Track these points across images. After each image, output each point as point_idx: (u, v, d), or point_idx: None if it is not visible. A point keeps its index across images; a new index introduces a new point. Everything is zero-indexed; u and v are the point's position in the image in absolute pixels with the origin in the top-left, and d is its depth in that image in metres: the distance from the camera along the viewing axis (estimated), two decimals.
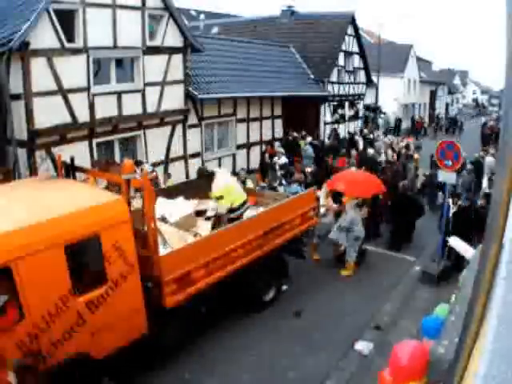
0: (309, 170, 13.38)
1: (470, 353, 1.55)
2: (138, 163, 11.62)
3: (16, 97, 9.16)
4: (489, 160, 14.90)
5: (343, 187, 9.54)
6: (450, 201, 9.40)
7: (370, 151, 16.27)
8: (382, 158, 16.30)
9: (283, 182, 11.71)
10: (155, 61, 11.66)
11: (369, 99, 27.32)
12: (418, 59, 37.99)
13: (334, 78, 20.78)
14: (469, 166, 14.13)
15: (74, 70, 9.79)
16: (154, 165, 12.10)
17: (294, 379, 6.03)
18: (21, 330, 4.47)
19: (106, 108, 10.60)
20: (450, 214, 9.29)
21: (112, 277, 5.25)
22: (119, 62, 11.12)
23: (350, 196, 9.44)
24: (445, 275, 8.62)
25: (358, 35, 22.49)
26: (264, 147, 16.37)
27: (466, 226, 8.42)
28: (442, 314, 4.12)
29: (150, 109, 11.76)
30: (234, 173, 15.45)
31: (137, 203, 6.25)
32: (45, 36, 9.11)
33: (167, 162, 12.72)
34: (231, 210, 7.42)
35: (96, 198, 5.52)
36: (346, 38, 21.33)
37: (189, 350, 6.52)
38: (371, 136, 21.18)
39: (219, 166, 15.03)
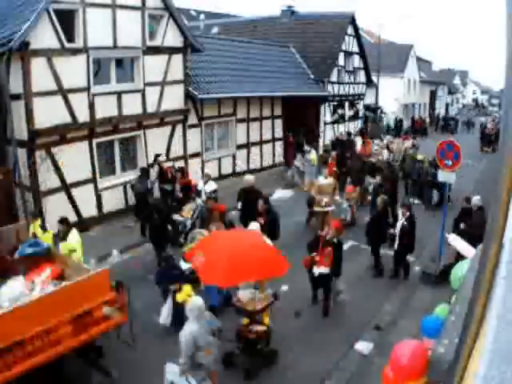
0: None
1: (469, 353, 1.55)
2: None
3: (16, 97, 9.17)
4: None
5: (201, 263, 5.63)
6: (400, 212, 8.87)
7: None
8: (381, 157, 16.16)
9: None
10: (155, 61, 11.66)
11: (369, 99, 27.32)
12: (418, 59, 37.99)
13: (334, 78, 20.77)
14: None
15: (73, 70, 9.79)
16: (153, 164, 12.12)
17: (294, 379, 6.03)
18: None
19: (105, 108, 10.60)
20: (398, 228, 8.62)
21: None
22: (119, 62, 11.13)
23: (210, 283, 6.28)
24: (445, 275, 8.61)
25: (358, 35, 22.49)
26: (263, 147, 16.37)
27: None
28: (442, 314, 4.12)
29: (150, 109, 11.76)
30: (234, 173, 15.51)
31: None
32: (45, 36, 9.11)
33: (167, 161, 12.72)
34: None
35: None
36: (346, 38, 21.32)
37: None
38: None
39: (219, 166, 15.06)
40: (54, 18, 9.20)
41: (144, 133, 11.92)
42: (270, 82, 16.96)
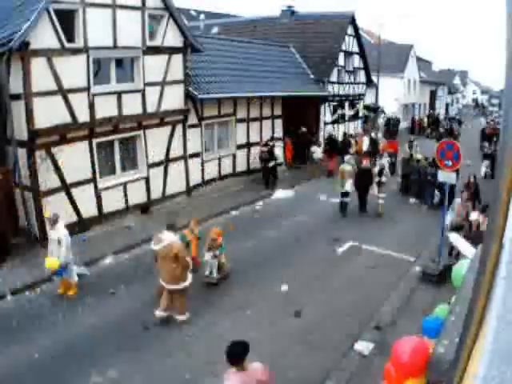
0: None
1: (469, 353, 1.55)
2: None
3: (16, 97, 9.16)
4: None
5: None
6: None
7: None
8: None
9: None
10: (155, 61, 11.66)
11: (369, 99, 27.32)
12: (418, 59, 38.01)
13: (333, 78, 20.78)
14: None
15: (73, 70, 9.79)
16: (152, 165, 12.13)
17: (294, 379, 6.02)
18: None
19: (105, 108, 10.60)
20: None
21: None
22: (119, 62, 11.12)
23: None
24: (445, 275, 8.61)
25: (358, 35, 22.49)
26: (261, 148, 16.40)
27: None
28: (442, 314, 4.12)
29: (150, 109, 11.76)
30: (234, 173, 15.50)
31: None
32: (45, 36, 9.11)
33: (167, 161, 12.73)
34: None
35: None
36: (346, 37, 21.33)
37: (189, 351, 6.52)
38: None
39: (219, 165, 15.06)
40: (54, 17, 9.19)
41: (144, 133, 11.92)
42: (270, 82, 16.96)
